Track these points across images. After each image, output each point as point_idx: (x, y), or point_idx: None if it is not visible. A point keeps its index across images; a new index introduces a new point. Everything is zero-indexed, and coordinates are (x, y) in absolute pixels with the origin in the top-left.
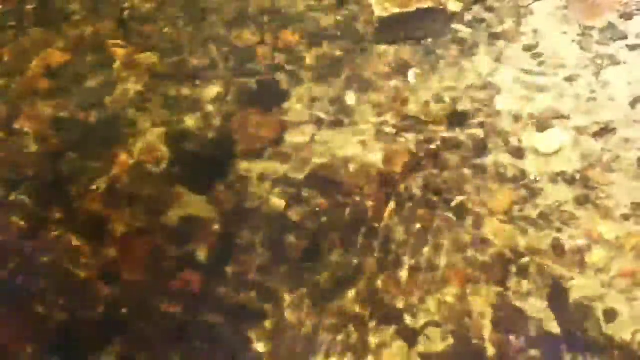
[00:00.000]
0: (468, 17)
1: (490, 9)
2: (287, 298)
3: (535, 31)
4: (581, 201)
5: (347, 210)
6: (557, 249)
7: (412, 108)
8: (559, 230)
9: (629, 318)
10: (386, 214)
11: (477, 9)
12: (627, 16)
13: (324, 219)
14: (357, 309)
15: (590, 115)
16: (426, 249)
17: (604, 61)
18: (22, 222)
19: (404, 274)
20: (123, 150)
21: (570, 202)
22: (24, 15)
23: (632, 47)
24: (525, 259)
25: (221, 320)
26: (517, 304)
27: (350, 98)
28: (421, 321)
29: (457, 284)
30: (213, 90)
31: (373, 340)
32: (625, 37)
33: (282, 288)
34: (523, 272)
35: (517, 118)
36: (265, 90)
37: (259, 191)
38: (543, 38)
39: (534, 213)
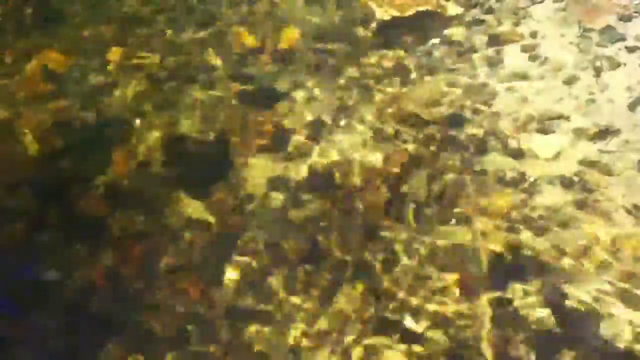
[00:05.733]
0: (467, 19)
1: (489, 11)
2: (287, 299)
3: (534, 33)
4: (580, 203)
5: (347, 211)
6: (556, 251)
7: (412, 110)
8: (558, 232)
9: (628, 320)
10: (385, 215)
11: (475, 11)
12: (626, 18)
13: (323, 219)
14: (358, 310)
15: (589, 117)
16: (426, 250)
17: (603, 63)
18: (21, 224)
19: (404, 275)
20: (122, 151)
21: (569, 204)
22: (23, 17)
23: (631, 49)
24: (525, 261)
25: (221, 322)
26: (517, 306)
27: (350, 99)
28: (421, 322)
29: (457, 286)
30: (212, 91)
31: (373, 341)
32: (624, 39)
33: (282, 289)
34: (522, 274)
35: (515, 120)
36: (264, 91)
37: (258, 192)
38: (542, 40)
39: (532, 215)
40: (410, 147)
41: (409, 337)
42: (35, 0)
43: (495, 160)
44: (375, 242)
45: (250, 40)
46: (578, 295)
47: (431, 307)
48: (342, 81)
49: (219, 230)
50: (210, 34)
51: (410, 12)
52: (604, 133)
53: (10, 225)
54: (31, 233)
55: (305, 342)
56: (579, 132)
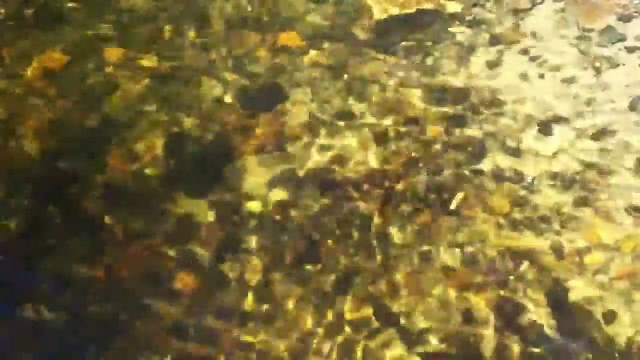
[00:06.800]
0: (467, 19)
1: (489, 11)
2: (286, 300)
3: (534, 33)
4: (580, 203)
5: (347, 212)
6: (556, 251)
7: (412, 110)
8: (558, 232)
9: (629, 320)
10: (385, 216)
11: (476, 11)
12: (626, 18)
13: (323, 220)
14: (356, 310)
15: (589, 118)
16: (425, 251)
17: (603, 63)
18: (21, 223)
19: (403, 275)
20: (122, 151)
21: (569, 204)
22: (23, 17)
23: (630, 50)
24: (525, 261)
25: (220, 323)
26: (517, 306)
27: (350, 99)
28: (420, 323)
29: (456, 286)
30: (212, 92)
31: (372, 342)
32: (624, 40)
33: (281, 290)
34: (522, 274)
35: (515, 120)
36: (264, 92)
37: (258, 193)
38: (542, 40)
39: (532, 215)
40: (411, 147)
41: (407, 337)
42: (35, 0)
43: (495, 160)
44: (375, 243)
45: (251, 40)
46: (579, 295)
47: (431, 307)
48: (342, 81)
49: (219, 230)
50: (211, 33)
51: (410, 11)
52: (604, 133)
53: (10, 225)
54: (31, 233)
55: (305, 342)
56: (578, 132)
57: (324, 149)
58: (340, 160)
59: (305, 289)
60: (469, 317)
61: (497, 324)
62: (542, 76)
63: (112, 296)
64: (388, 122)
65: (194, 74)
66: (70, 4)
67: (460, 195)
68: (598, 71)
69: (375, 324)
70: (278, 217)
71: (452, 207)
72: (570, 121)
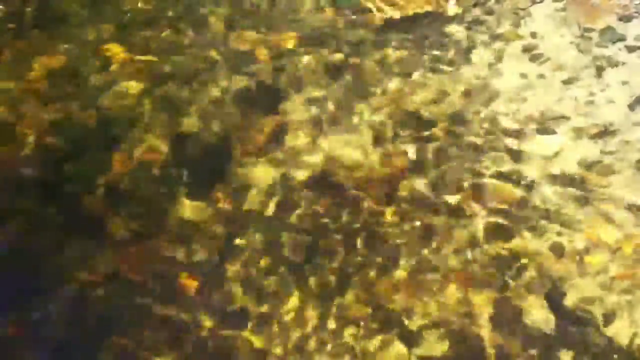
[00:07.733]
0: (467, 19)
1: (489, 12)
2: (287, 300)
3: (534, 33)
4: (580, 203)
5: (347, 212)
6: (557, 251)
7: (412, 110)
8: (558, 232)
9: (628, 320)
10: (385, 215)
11: (476, 11)
12: (625, 18)
13: (323, 220)
14: (357, 310)
15: (590, 117)
16: (425, 251)
17: (603, 63)
18: (22, 224)
19: (403, 275)
20: (122, 152)
21: (570, 204)
22: (24, 18)
23: (630, 49)
24: (525, 261)
25: (220, 323)
26: (517, 305)
27: (350, 100)
28: (420, 323)
29: (457, 286)
30: (212, 92)
31: (372, 342)
32: (624, 39)
33: (282, 290)
34: (522, 274)
35: (516, 120)
36: (264, 92)
37: (258, 193)
38: (542, 40)
39: (533, 215)
40: (410, 147)
41: (407, 336)
42: (35, 0)
43: (495, 160)
44: (374, 243)
45: (251, 40)
46: (579, 295)
47: (431, 307)
48: (342, 82)
49: (219, 230)
50: (211, 33)
51: (410, 13)
52: (604, 133)
53: (10, 225)
54: (31, 233)
55: (305, 342)
56: (579, 132)
57: (324, 149)
58: (341, 160)
59: (306, 289)
60: (468, 317)
61: (497, 324)
62: (542, 76)
63: (112, 296)
64: (389, 121)
65: (194, 73)
66: (70, 4)
67: (460, 195)
68: (598, 71)
69: (376, 323)
70: (278, 217)
71: (452, 206)
72: (570, 121)
